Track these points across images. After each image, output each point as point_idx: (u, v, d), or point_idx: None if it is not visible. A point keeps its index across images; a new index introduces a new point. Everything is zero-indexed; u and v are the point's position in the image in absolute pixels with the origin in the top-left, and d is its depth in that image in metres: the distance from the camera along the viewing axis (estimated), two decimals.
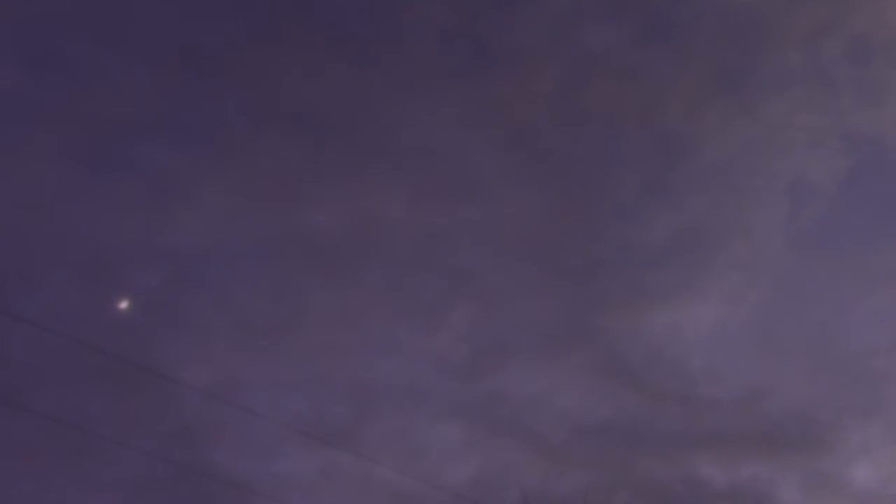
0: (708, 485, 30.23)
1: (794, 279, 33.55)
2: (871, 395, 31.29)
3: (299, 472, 26.90)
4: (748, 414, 31.34)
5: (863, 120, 31.41)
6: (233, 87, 29.80)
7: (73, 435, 18.75)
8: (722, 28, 30.45)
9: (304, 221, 31.07)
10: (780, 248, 32.98)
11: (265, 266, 30.71)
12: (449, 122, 31.03)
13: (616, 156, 31.97)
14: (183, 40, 28.93)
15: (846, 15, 30.04)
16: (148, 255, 28.87)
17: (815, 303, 33.62)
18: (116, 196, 28.73)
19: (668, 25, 30.59)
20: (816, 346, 32.81)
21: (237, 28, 29.49)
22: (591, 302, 32.62)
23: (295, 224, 31.06)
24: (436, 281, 31.74)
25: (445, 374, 31.25)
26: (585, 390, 31.70)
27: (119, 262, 28.46)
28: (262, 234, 30.67)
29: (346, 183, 30.84)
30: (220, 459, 25.07)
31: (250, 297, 30.29)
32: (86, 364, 21.34)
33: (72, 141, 28.44)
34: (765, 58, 30.68)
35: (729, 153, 31.83)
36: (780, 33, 30.51)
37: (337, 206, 31.07)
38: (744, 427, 31.05)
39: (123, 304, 27.67)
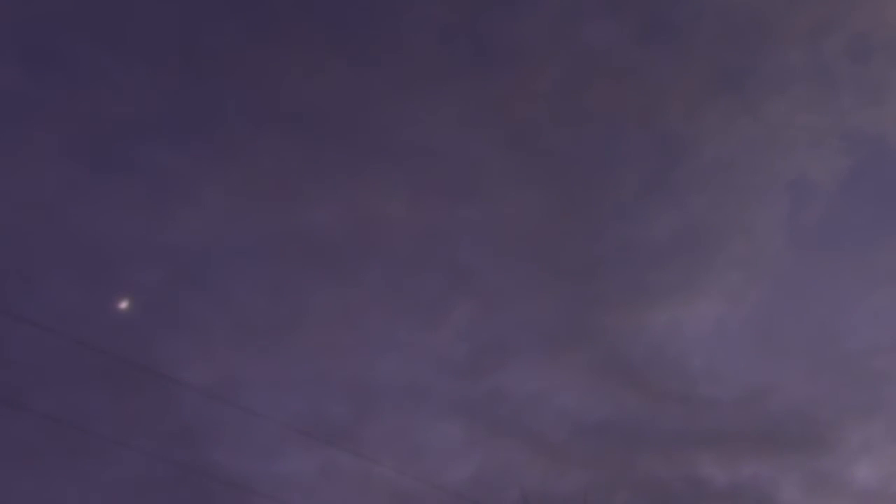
0: (708, 484, 30.26)
1: (795, 278, 33.58)
2: (872, 394, 31.32)
3: (299, 471, 26.94)
4: (749, 413, 31.37)
5: (863, 119, 31.43)
6: (233, 87, 29.84)
7: (73, 435, 18.76)
8: (722, 27, 30.46)
9: (304, 221, 31.11)
10: (780, 248, 33.01)
11: (265, 266, 30.74)
12: (449, 121, 31.06)
13: (616, 155, 31.99)
14: (183, 40, 28.97)
15: (846, 13, 30.06)
16: (148, 255, 28.91)
17: (816, 302, 33.65)
18: (116, 196, 28.77)
19: (669, 24, 30.60)
20: (817, 346, 32.86)
21: (237, 28, 29.53)
22: (592, 301, 32.64)
23: (295, 224, 31.10)
24: (436, 280, 31.79)
25: (445, 373, 31.31)
26: (586, 389, 31.74)
27: (119, 261, 28.50)
28: (262, 233, 30.72)
29: (346, 182, 30.87)
30: (220, 459, 25.10)
31: (250, 297, 30.34)
32: (86, 364, 21.36)
33: (72, 141, 28.49)
34: (765, 57, 30.70)
35: (729, 152, 31.85)
36: (781, 32, 30.52)
37: (337, 205, 31.11)
38: (744, 426, 31.07)
39: (123, 304, 27.71)
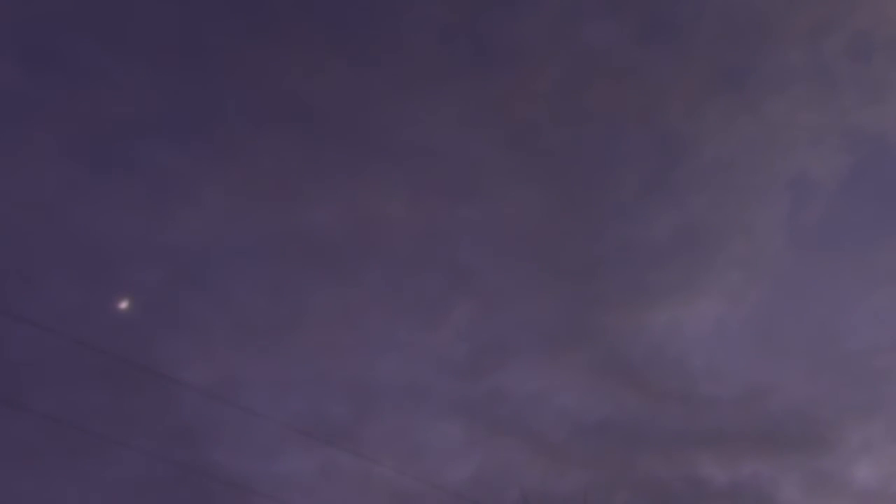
0: (708, 484, 30.26)
1: (795, 278, 33.57)
2: (872, 393, 31.32)
3: (299, 471, 26.95)
4: (749, 413, 31.37)
5: (864, 117, 31.42)
6: (233, 86, 29.85)
7: (73, 435, 18.76)
8: (722, 26, 30.46)
9: (304, 221, 31.12)
10: (780, 247, 33.00)
11: (265, 266, 30.75)
12: (449, 121, 31.08)
13: (616, 155, 31.99)
14: (183, 40, 28.99)
15: (847, 12, 30.05)
16: (148, 255, 28.93)
17: (816, 301, 33.64)
18: (116, 195, 28.78)
19: (669, 24, 30.60)
20: (817, 345, 32.85)
21: (237, 28, 29.54)
22: (592, 301, 32.65)
23: (295, 224, 31.11)
24: (436, 280, 31.80)
25: (445, 373, 31.32)
26: (586, 389, 31.73)
27: (119, 261, 28.51)
28: (262, 233, 30.72)
29: (346, 182, 30.87)
30: (220, 459, 25.13)
31: (250, 297, 30.34)
32: (86, 364, 21.38)
33: (72, 141, 28.50)
34: (765, 56, 30.69)
35: (730, 151, 31.85)
36: (781, 31, 30.52)
37: (337, 205, 31.11)
38: (744, 426, 31.08)
39: (123, 304, 27.72)
